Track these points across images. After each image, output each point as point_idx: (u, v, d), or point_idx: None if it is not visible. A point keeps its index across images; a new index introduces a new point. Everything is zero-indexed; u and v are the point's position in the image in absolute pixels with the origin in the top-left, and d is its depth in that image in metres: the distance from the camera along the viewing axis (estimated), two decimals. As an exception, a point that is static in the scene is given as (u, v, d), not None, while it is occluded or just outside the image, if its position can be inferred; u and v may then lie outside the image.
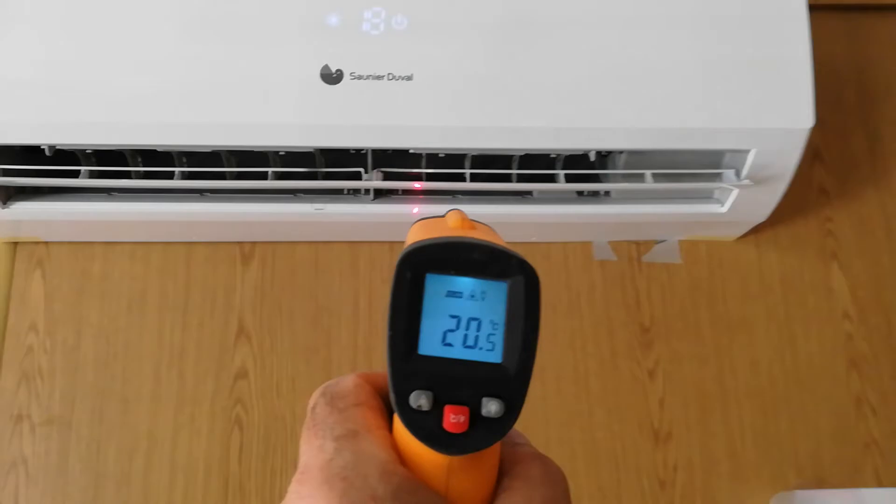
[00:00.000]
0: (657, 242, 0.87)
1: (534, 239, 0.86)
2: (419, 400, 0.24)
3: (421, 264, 0.24)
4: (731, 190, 0.75)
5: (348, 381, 0.27)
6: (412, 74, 0.68)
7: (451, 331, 0.25)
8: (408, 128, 0.68)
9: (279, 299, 0.83)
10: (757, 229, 0.85)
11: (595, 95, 0.69)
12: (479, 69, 0.68)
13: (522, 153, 0.73)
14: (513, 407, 0.24)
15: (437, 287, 0.25)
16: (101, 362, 0.81)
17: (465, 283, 0.25)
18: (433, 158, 0.74)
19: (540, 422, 0.81)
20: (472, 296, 0.25)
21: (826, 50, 0.92)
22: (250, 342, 0.82)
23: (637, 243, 0.87)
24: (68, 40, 0.67)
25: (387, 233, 0.84)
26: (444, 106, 0.68)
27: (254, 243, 0.85)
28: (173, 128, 0.68)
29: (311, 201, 0.76)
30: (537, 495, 0.25)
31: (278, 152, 0.72)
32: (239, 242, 0.85)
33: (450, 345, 0.25)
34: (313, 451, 0.24)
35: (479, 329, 0.25)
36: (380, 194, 0.77)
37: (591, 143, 0.70)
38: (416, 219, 0.30)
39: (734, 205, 0.77)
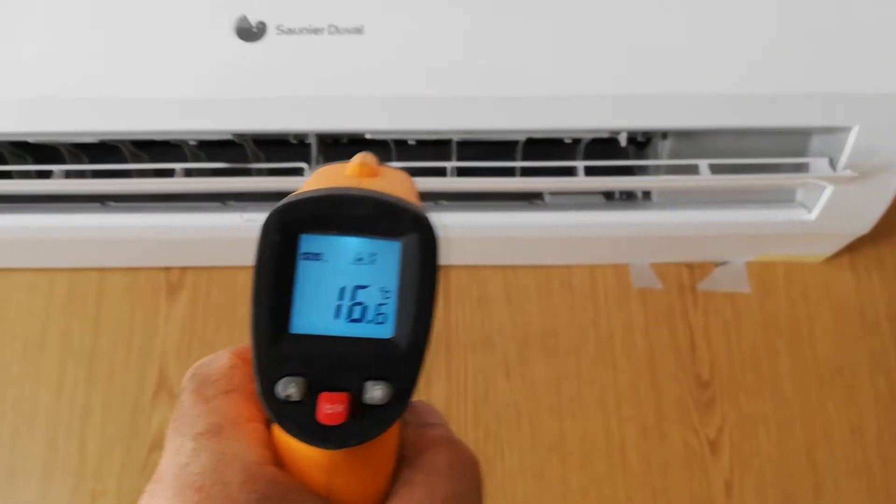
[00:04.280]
0: (717, 265, 0.67)
1: (548, 261, 0.65)
2: (287, 389, 0.21)
3: (293, 223, 0.21)
4: (824, 187, 0.54)
5: (221, 361, 0.23)
6: (362, 26, 0.48)
7: (334, 302, 0.21)
8: (358, 101, 0.49)
9: (213, 343, 0.65)
10: (853, 246, 0.67)
11: (628, 49, 0.49)
12: (458, 15, 0.49)
13: (526, 136, 0.53)
14: (403, 391, 0.21)
15: (315, 250, 0.21)
16: (-15, 424, 0.63)
17: (349, 244, 0.21)
18: (403, 148, 0.54)
19: (558, 513, 0.60)
20: (360, 259, 0.21)
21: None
22: (173, 400, 0.62)
23: (690, 266, 0.67)
24: None
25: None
26: (408, 69, 0.49)
27: (183, 269, 0.66)
28: (43, 106, 0.49)
29: (244, 210, 0.57)
30: (440, 490, 0.22)
31: (188, 142, 0.53)
32: (165, 268, 0.66)
33: (332, 319, 0.21)
34: (170, 452, 0.21)
35: (367, 299, 0.21)
36: (335, 200, 0.57)
37: (622, 119, 0.50)
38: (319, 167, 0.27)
39: (826, 209, 0.56)
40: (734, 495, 0.61)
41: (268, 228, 0.21)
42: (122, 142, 0.54)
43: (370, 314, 0.21)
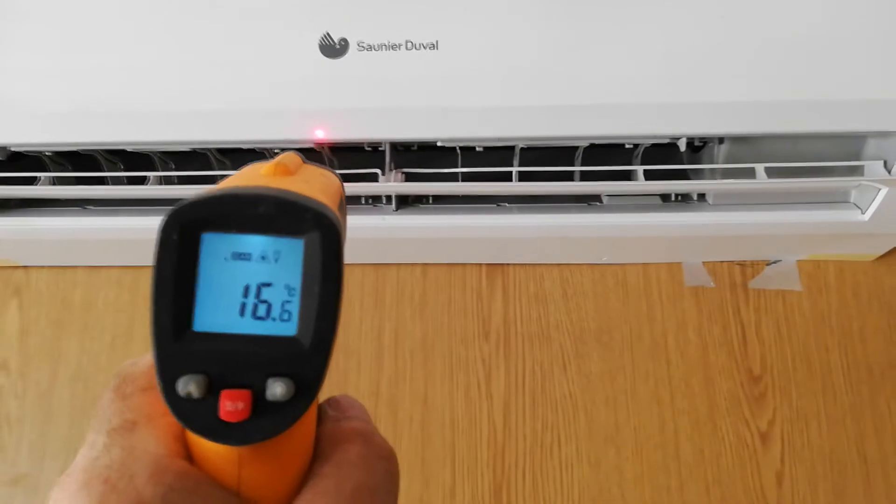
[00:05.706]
0: (769, 263, 0.68)
1: (605, 259, 0.68)
2: (188, 386, 0.20)
3: (193, 223, 0.21)
4: (877, 189, 0.56)
5: (144, 361, 0.24)
6: (437, 42, 0.52)
7: (238, 300, 0.21)
8: (433, 111, 0.52)
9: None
10: (905, 245, 0.65)
11: (689, 58, 0.51)
12: (524, 30, 0.52)
13: (588, 143, 0.55)
14: (306, 388, 0.21)
15: (217, 248, 0.21)
16: (77, 410, 0.68)
17: (253, 243, 0.21)
18: (470, 154, 0.57)
19: (613, 499, 0.62)
20: (264, 257, 0.21)
21: None
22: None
23: (742, 265, 0.69)
24: (11, 19, 0.55)
25: (419, 251, 0.67)
26: (479, 81, 0.52)
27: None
28: (133, 119, 0.54)
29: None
30: (350, 481, 0.22)
31: (272, 149, 0.57)
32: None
33: (236, 317, 0.21)
34: (84, 448, 0.21)
35: (272, 296, 0.21)
36: (404, 202, 0.61)
37: (684, 126, 0.52)
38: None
39: (879, 210, 0.58)
40: (785, 486, 0.63)
41: (165, 229, 0.20)
42: (209, 150, 0.58)
43: (275, 312, 0.21)
